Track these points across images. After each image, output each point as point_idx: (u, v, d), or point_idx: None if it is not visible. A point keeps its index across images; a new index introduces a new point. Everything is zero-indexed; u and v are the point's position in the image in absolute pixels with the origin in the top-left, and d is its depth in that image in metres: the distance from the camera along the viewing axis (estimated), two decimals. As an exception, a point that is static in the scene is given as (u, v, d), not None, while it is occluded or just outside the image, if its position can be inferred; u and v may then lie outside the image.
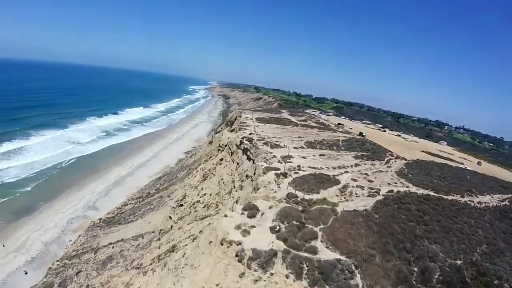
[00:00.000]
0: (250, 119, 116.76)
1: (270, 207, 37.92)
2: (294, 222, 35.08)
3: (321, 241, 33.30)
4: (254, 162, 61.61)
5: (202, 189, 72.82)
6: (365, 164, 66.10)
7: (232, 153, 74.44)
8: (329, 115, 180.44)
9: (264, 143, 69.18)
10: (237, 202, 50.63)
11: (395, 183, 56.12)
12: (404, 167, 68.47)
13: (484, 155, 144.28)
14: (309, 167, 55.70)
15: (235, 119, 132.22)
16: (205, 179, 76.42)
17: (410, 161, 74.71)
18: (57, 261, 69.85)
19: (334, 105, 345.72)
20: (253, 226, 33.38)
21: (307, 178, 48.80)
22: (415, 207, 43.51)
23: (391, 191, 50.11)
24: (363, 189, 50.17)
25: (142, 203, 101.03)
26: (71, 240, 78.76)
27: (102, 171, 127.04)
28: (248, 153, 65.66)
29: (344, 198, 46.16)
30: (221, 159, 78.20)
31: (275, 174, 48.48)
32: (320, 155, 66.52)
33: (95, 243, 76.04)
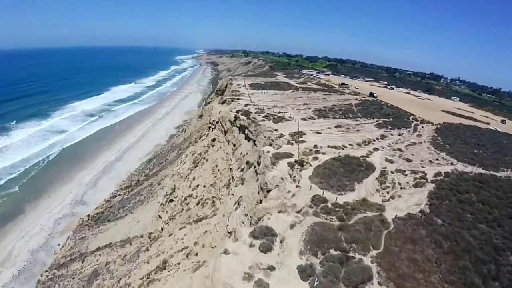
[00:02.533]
0: (243, 86, 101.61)
1: (292, 226, 25.20)
2: (333, 251, 22.62)
3: (379, 284, 21.18)
4: (255, 144, 48.29)
5: (193, 179, 59.87)
6: (391, 134, 53.23)
7: (226, 132, 60.71)
8: (328, 75, 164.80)
9: (264, 117, 55.36)
10: (238, 204, 37.88)
11: (437, 159, 43.98)
12: (436, 134, 56.38)
13: (483, 105, 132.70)
14: (328, 146, 42.56)
15: (226, 87, 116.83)
16: (196, 166, 63.26)
17: (438, 126, 62.46)
18: (46, 271, 61.07)
19: (328, 63, 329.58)
20: (272, 268, 20.88)
21: (332, 165, 35.79)
22: (476, 197, 32.89)
23: (439, 173, 38.45)
24: (406, 175, 37.76)
25: (132, 193, 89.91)
26: (59, 244, 71.10)
27: (89, 160, 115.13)
28: (247, 131, 52.07)
29: (388, 192, 33.66)
30: (213, 140, 64.55)
31: (288, 164, 35.30)
32: (336, 126, 53.18)
33: (84, 246, 67.12)
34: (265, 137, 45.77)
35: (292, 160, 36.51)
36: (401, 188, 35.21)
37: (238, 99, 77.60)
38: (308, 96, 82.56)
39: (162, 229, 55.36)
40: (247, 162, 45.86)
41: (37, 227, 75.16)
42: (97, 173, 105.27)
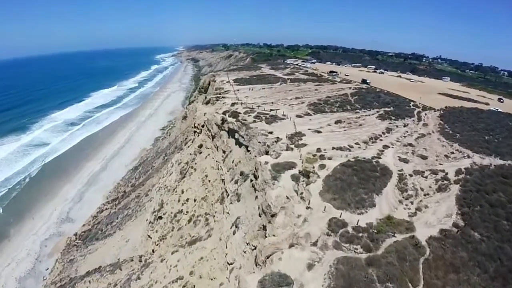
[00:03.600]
0: (227, 82, 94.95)
1: (309, 267, 19.83)
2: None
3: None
4: (248, 150, 42.60)
5: (182, 192, 53.86)
6: (397, 126, 48.30)
7: (213, 137, 54.66)
8: (314, 63, 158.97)
9: (255, 117, 49.43)
10: (236, 226, 32.22)
11: (452, 153, 39.53)
12: (442, 122, 52.11)
13: (474, 83, 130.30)
14: (333, 148, 37.20)
15: (209, 84, 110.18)
16: (184, 177, 57.12)
17: (442, 112, 58.17)
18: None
19: (310, 51, 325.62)
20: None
21: (343, 174, 30.45)
22: (505, 197, 29.04)
23: (459, 171, 34.19)
24: (426, 177, 32.94)
25: (119, 207, 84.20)
26: (47, 269, 66.85)
27: (73, 172, 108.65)
28: (237, 135, 46.21)
29: (412, 203, 28.74)
30: (200, 146, 58.41)
31: (292, 177, 29.75)
32: (336, 122, 47.80)
33: (73, 270, 61.93)
34: (259, 142, 40.01)
35: (295, 171, 30.96)
36: (424, 195, 30.31)
37: (223, 97, 71.26)
38: (298, 89, 76.83)
39: (153, 250, 49.44)
40: (241, 173, 40.11)
41: (23, 251, 70.47)
42: (82, 186, 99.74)
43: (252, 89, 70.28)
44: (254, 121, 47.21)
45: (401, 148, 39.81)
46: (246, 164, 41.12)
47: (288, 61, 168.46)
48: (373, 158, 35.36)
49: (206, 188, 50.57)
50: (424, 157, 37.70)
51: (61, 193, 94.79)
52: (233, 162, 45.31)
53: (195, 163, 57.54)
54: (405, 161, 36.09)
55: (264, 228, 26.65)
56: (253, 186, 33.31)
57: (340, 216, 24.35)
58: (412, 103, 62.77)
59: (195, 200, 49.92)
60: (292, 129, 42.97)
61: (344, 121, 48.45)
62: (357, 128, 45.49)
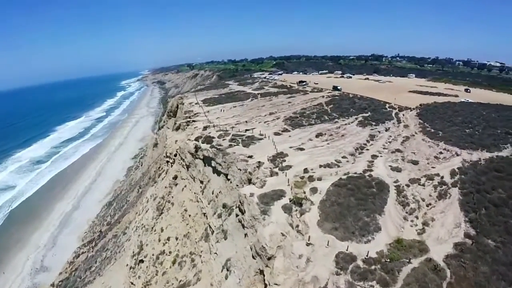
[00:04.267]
0: (196, 103, 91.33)
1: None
2: None
3: None
4: (228, 178, 38.94)
5: (162, 230, 48.89)
6: (379, 132, 46.54)
7: (188, 166, 50.46)
8: (281, 74, 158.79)
9: (231, 140, 45.90)
10: (228, 270, 28.17)
11: (440, 152, 38.36)
12: (421, 121, 51.42)
13: (438, 77, 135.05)
14: (320, 166, 34.36)
15: (177, 107, 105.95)
16: (161, 213, 52.27)
17: (418, 110, 57.55)
18: None
19: (274, 63, 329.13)
20: None
21: (339, 196, 27.49)
22: (504, 192, 27.84)
23: (453, 172, 32.57)
24: (423, 185, 31.05)
25: (96, 249, 77.26)
26: None
27: (44, 215, 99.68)
28: (213, 163, 42.38)
29: (417, 217, 26.56)
30: (175, 178, 53.95)
31: (284, 208, 26.37)
32: (317, 135, 45.24)
33: None
34: (239, 169, 36.49)
35: (286, 200, 27.62)
36: (427, 205, 28.04)
37: (193, 121, 67.43)
38: (271, 103, 74.45)
39: (135, 303, 43.92)
40: (224, 206, 36.21)
41: (-4, 314, 62.02)
42: (54, 230, 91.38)
43: (223, 110, 66.97)
44: (230, 145, 43.66)
45: (390, 155, 37.69)
46: (228, 194, 37.36)
47: (255, 75, 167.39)
48: (365, 172, 32.82)
49: (187, 224, 46.02)
50: (415, 162, 35.76)
51: (33, 240, 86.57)
52: (213, 193, 41.35)
53: (172, 197, 52.89)
54: (398, 169, 33.87)
55: (261, 272, 22.95)
56: (240, 221, 29.57)
57: (347, 249, 21.15)
58: (387, 105, 61.92)
59: (177, 239, 45.14)
60: (273, 150, 39.81)
61: (325, 133, 46.02)
62: (340, 139, 43.12)
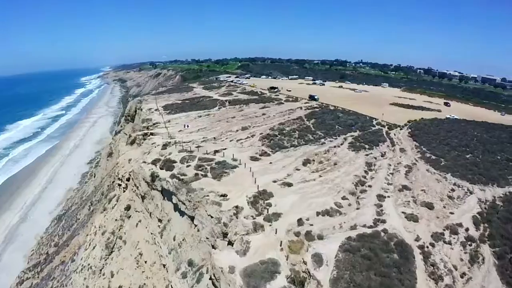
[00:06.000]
0: (156, 110, 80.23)
1: None
2: None
3: None
4: (193, 222, 29.60)
5: (112, 275, 38.28)
6: (375, 158, 39.55)
7: (143, 197, 40.22)
8: (249, 78, 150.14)
9: (197, 167, 36.39)
10: None
11: (452, 190, 33.24)
12: (417, 143, 46.01)
13: (407, 86, 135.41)
14: (318, 214, 26.32)
15: (135, 112, 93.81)
16: (111, 252, 41.41)
17: (409, 129, 51.95)
18: None
19: (239, 64, 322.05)
20: None
21: (353, 270, 19.64)
22: None
23: (476, 219, 27.72)
24: (450, 243, 24.98)
25: (42, 275, 63.86)
26: None
27: None
28: (175, 199, 32.68)
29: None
30: (128, 208, 43.31)
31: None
32: (304, 163, 37.16)
33: None
34: (210, 216, 27.27)
35: (282, 280, 18.98)
36: (461, 275, 21.15)
37: (151, 134, 56.94)
38: (242, 114, 65.56)
39: None
40: (190, 263, 26.91)
41: None
42: None
43: (187, 126, 56.59)
44: (197, 175, 34.19)
45: (398, 195, 30.55)
46: (195, 247, 28.02)
47: (221, 77, 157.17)
48: (376, 224, 25.28)
49: (143, 272, 35.85)
50: (430, 206, 28.95)
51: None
52: (174, 239, 31.69)
53: (124, 233, 42.15)
54: (414, 218, 26.69)
55: None
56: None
57: None
58: (374, 121, 55.81)
59: (127, 292, 34.87)
60: (252, 185, 31.10)
61: (313, 160, 38.09)
62: (334, 170, 35.33)
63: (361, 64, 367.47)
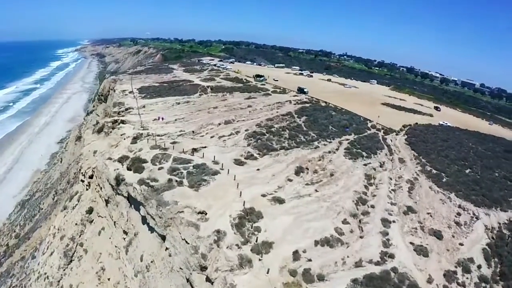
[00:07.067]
0: (130, 92, 72.93)
1: None
2: None
3: None
4: (164, 242, 24.54)
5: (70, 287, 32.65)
6: (374, 170, 35.68)
7: (107, 201, 34.46)
8: (233, 63, 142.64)
9: (172, 171, 30.86)
10: None
11: (458, 214, 30.51)
12: (416, 153, 42.57)
13: (395, 84, 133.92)
14: (316, 243, 22.02)
15: (108, 92, 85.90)
16: (71, 261, 35.60)
17: (406, 136, 48.76)
18: None
19: (223, 47, 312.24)
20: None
21: None
22: None
23: (487, 255, 25.12)
24: (465, 286, 22.50)
25: (1, 271, 59.31)
26: None
27: None
28: (143, 211, 27.32)
29: None
30: (90, 211, 37.34)
31: None
32: (297, 172, 32.45)
33: None
34: (184, 240, 22.25)
35: None
36: None
37: (122, 122, 50.44)
38: (226, 104, 59.89)
39: None
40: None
41: None
42: None
43: (162, 119, 49.83)
44: (170, 182, 28.80)
45: (404, 219, 26.92)
46: (166, 275, 23.05)
47: (204, 60, 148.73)
48: (384, 260, 21.50)
49: (103, 289, 30.56)
50: (438, 235, 25.69)
51: None
52: (141, 259, 26.51)
53: (85, 240, 36.29)
54: (424, 252, 23.31)
55: None
56: None
57: None
58: (369, 123, 51.96)
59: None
60: (237, 199, 26.17)
61: (307, 167, 33.58)
62: (331, 183, 30.94)
63: (345, 57, 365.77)
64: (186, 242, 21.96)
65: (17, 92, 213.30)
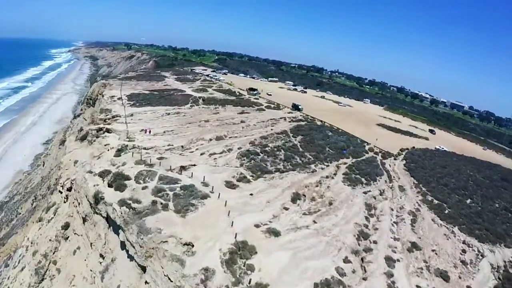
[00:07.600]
0: (119, 98, 70.07)
1: None
2: None
3: None
4: (144, 273, 21.70)
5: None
6: (375, 198, 33.74)
7: (84, 220, 31.40)
8: (226, 74, 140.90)
9: (157, 192, 28.23)
10: None
11: (463, 251, 29.73)
12: (415, 181, 41.00)
13: (388, 105, 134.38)
14: (316, 287, 19.33)
15: (97, 96, 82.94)
16: (42, 280, 32.10)
17: (404, 161, 47.46)
18: None
19: (216, 58, 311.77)
20: None
21: None
22: None
23: None
24: None
25: None
26: None
27: None
28: (122, 236, 24.49)
29: None
30: (66, 227, 34.10)
31: None
32: (293, 199, 30.15)
33: None
34: (167, 276, 19.53)
35: None
36: None
37: (107, 130, 47.57)
38: (218, 118, 57.57)
39: None
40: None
41: None
42: None
43: (149, 132, 46.90)
44: (154, 205, 26.13)
45: (409, 258, 24.95)
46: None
47: (197, 69, 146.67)
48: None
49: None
50: (445, 276, 23.94)
51: None
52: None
53: (59, 258, 32.90)
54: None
55: None
56: None
57: None
58: (366, 146, 50.51)
59: None
60: (228, 231, 23.66)
61: (304, 194, 31.35)
62: (330, 213, 28.76)
63: (337, 73, 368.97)
64: (169, 279, 19.25)
65: (7, 89, 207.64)
